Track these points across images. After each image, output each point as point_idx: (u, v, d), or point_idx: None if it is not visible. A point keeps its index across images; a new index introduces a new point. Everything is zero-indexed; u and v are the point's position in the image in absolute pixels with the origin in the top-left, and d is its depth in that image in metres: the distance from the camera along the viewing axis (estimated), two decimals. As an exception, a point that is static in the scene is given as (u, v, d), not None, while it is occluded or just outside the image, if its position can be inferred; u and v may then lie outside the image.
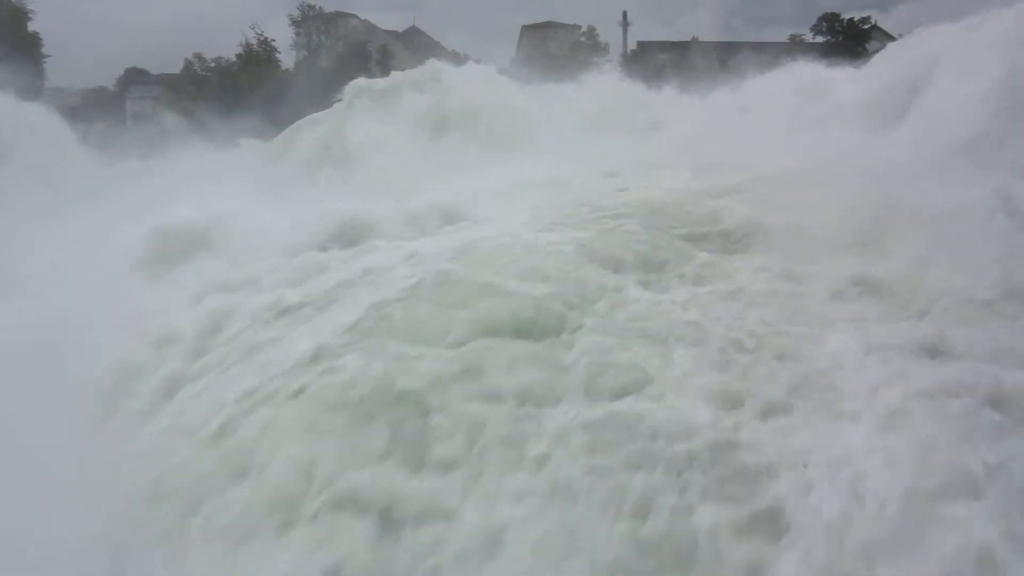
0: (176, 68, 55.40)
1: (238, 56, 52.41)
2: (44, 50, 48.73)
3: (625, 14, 59.82)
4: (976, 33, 10.79)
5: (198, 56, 54.48)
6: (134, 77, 57.90)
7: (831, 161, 8.86)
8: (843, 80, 15.48)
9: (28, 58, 40.27)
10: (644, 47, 56.89)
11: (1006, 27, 9.80)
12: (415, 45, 56.10)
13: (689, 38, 54.68)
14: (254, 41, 52.44)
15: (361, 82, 20.46)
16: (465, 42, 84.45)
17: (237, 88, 44.75)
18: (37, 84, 42.82)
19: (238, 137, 26.78)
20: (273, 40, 53.08)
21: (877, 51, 19.63)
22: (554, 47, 54.40)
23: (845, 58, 25.39)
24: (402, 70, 23.20)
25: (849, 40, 48.72)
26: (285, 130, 22.76)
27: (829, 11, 53.59)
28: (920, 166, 7.95)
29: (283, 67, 52.72)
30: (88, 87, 55.99)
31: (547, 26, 61.34)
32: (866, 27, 52.29)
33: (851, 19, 52.75)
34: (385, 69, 39.73)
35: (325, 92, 25.34)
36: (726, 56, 39.05)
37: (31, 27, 46.95)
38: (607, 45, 56.19)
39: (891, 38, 40.98)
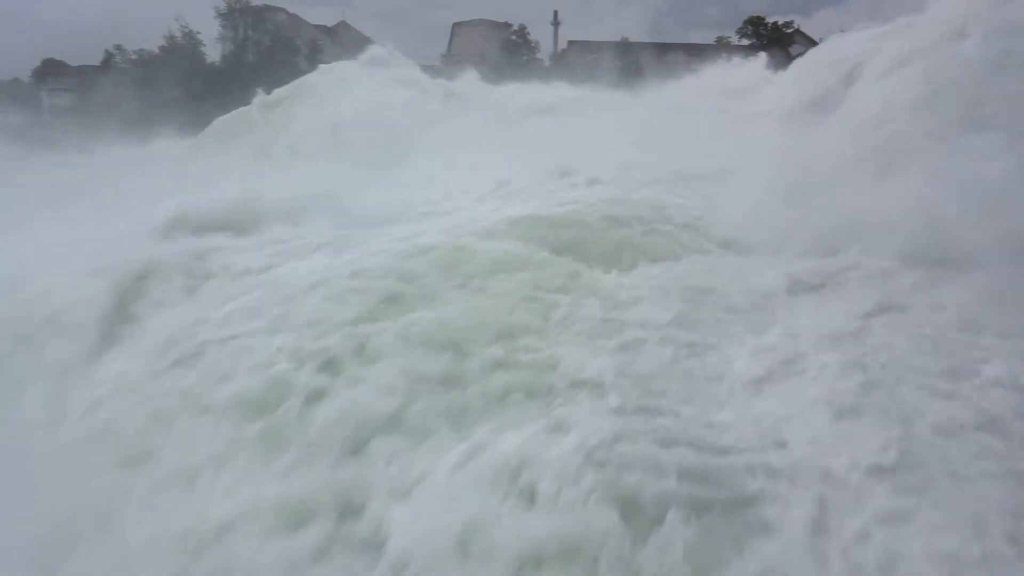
0: (96, 60, 53.64)
1: (161, 48, 50.94)
2: (-48, 39, 46.63)
3: (556, 13, 60.31)
4: (892, 39, 11.08)
5: (119, 48, 52.82)
6: (51, 69, 55.62)
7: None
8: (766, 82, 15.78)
9: (-66, 47, 38.48)
10: (574, 46, 57.26)
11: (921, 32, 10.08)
12: (345, 41, 55.20)
13: (619, 38, 55.26)
14: (178, 33, 51.13)
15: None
16: (397, 38, 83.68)
17: (159, 81, 43.46)
18: (-56, 74, 40.90)
19: (161, 131, 26.06)
20: (198, 32, 51.84)
21: (799, 55, 20.13)
22: (485, 45, 54.42)
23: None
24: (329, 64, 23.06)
25: (773, 43, 49.83)
26: (208, 127, 22.25)
27: (754, 15, 54.91)
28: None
29: (208, 60, 51.48)
30: (1, 78, 53.78)
31: (479, 24, 61.33)
32: (789, 31, 53.66)
33: (775, 23, 54.09)
34: (314, 64, 39.12)
35: (251, 86, 24.83)
36: (655, 56, 39.52)
37: (-62, 15, 44.92)
38: (538, 44, 56.63)
39: (813, 42, 42.17)
